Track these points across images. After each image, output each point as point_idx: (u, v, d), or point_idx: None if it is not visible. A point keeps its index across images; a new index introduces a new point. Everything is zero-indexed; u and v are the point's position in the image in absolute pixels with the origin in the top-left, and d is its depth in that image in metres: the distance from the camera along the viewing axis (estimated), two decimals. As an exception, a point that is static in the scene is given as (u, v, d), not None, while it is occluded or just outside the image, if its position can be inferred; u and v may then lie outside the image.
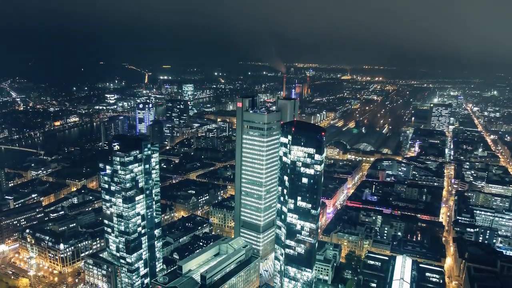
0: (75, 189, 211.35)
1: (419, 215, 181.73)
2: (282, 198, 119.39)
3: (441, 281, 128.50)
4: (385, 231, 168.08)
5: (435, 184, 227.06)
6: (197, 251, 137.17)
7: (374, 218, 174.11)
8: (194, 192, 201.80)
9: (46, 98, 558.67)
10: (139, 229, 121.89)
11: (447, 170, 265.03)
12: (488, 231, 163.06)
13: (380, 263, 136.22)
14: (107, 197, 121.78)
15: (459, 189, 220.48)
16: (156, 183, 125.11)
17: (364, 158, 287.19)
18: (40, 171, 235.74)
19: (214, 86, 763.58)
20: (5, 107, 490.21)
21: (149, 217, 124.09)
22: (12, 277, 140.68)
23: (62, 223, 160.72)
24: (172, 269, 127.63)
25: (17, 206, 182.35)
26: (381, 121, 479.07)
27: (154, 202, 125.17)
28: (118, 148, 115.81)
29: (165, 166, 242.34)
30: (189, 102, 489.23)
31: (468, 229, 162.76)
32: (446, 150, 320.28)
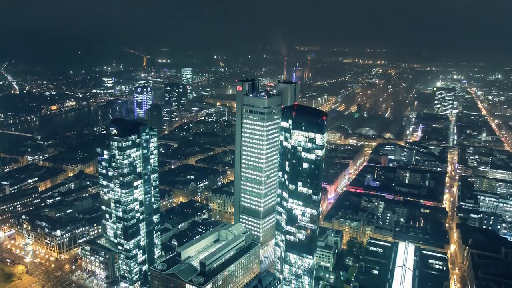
0: (72, 174, 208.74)
1: (422, 201, 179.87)
2: (282, 184, 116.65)
3: (445, 268, 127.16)
4: (387, 217, 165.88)
5: (438, 169, 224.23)
6: (196, 237, 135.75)
7: (376, 204, 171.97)
8: (193, 177, 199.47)
9: (42, 81, 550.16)
10: (137, 215, 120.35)
11: (451, 155, 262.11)
12: (492, 217, 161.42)
13: (382, 250, 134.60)
14: (104, 183, 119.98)
15: (463, 174, 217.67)
16: (155, 168, 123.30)
17: (366, 143, 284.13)
18: (37, 156, 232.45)
19: (214, 69, 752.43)
20: (0, 91, 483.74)
21: (147, 203, 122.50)
22: (8, 264, 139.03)
23: (59, 209, 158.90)
24: (170, 255, 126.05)
25: (13, 191, 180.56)
26: (383, 105, 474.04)
27: (152, 188, 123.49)
28: (116, 132, 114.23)
29: (163, 151, 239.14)
30: (188, 86, 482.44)
31: (472, 215, 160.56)
32: (450, 135, 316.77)
